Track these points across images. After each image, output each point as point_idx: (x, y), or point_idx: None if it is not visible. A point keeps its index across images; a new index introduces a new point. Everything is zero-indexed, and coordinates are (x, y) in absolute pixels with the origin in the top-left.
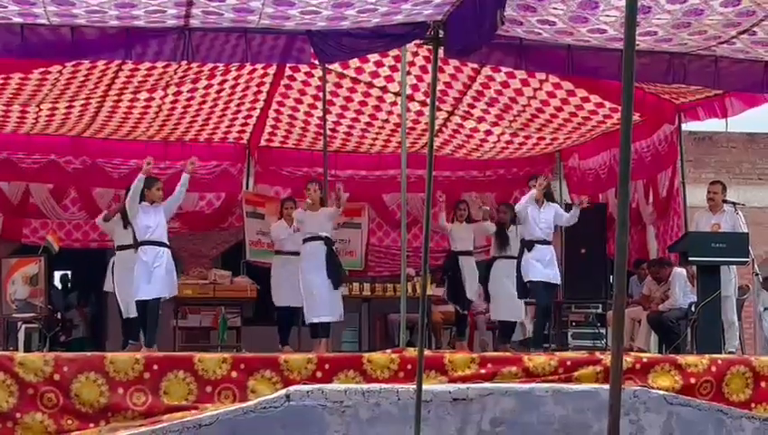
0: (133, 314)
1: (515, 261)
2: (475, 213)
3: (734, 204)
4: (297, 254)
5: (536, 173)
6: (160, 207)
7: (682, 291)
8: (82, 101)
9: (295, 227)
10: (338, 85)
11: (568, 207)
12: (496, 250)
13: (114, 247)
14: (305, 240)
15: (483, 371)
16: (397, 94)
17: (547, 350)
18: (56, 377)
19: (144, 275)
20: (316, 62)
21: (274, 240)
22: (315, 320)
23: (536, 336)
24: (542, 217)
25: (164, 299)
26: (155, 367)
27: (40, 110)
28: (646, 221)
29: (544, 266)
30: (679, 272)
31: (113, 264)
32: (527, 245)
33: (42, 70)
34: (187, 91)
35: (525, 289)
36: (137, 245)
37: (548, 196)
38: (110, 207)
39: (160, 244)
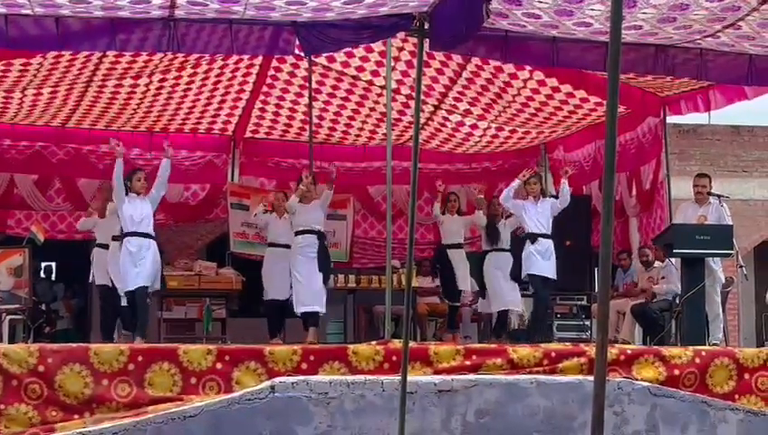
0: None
1: (507, 253)
2: (473, 201)
3: (718, 196)
4: (289, 247)
5: (528, 168)
6: (146, 198)
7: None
8: (66, 89)
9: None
10: (324, 76)
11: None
12: (488, 243)
13: (96, 241)
14: (297, 233)
15: (468, 362)
16: (382, 87)
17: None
18: (40, 368)
19: (130, 266)
20: (302, 53)
21: (261, 229)
22: (304, 309)
23: (536, 328)
24: (539, 211)
25: (151, 290)
26: (139, 358)
27: (24, 95)
28: (629, 213)
29: (545, 260)
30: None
31: (95, 256)
32: (530, 237)
33: (23, 62)
34: (173, 79)
35: (519, 276)
36: (123, 236)
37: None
38: (98, 209)
39: (146, 235)
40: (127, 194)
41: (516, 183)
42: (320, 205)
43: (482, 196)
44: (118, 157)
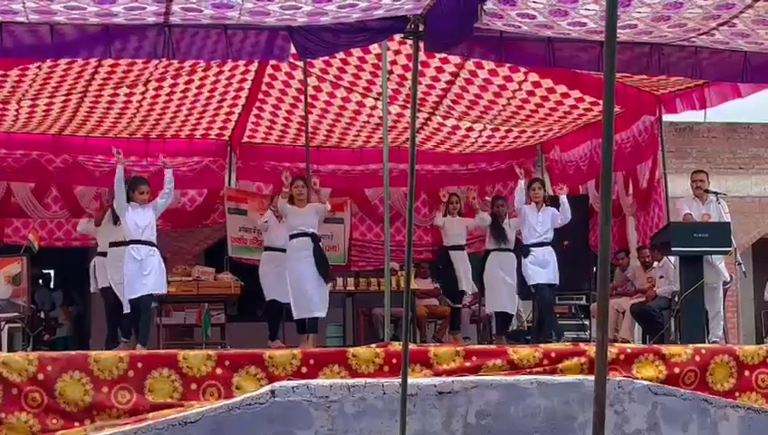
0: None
1: (511, 253)
2: (472, 204)
3: (716, 194)
4: (285, 250)
5: (519, 165)
6: (149, 207)
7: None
8: (63, 98)
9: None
10: (320, 80)
11: (553, 201)
12: (492, 243)
13: (97, 247)
14: (292, 236)
15: (468, 363)
16: (377, 99)
17: (530, 342)
18: (40, 376)
19: (135, 274)
20: (298, 63)
21: (261, 231)
22: (305, 316)
23: (543, 332)
24: (539, 219)
25: (157, 295)
26: (139, 365)
27: (20, 107)
28: (626, 212)
29: (543, 268)
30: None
31: (95, 264)
32: (523, 250)
33: (21, 67)
34: (168, 87)
35: (527, 289)
36: (127, 243)
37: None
38: (96, 210)
39: (150, 244)
40: (129, 202)
41: (522, 183)
42: (314, 213)
43: (475, 199)
44: (119, 164)
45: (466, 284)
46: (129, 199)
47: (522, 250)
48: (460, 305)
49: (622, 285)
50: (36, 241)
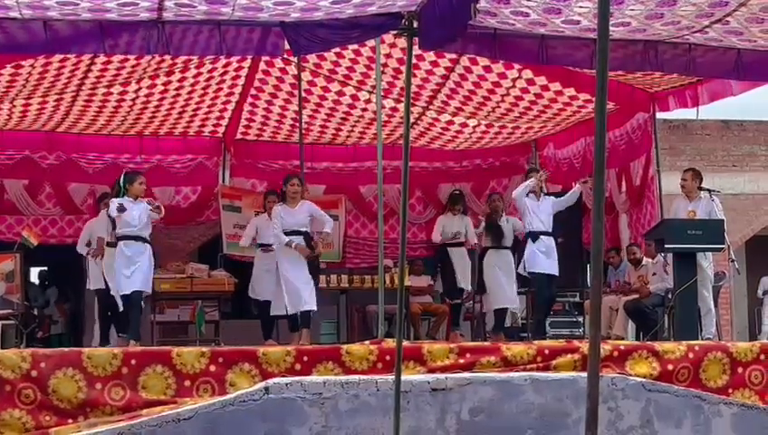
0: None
1: (508, 251)
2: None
3: (709, 191)
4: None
5: (543, 168)
6: (142, 202)
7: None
8: (56, 96)
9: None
10: (315, 75)
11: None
12: (489, 241)
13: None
14: (284, 233)
15: (461, 360)
16: (371, 92)
17: (525, 339)
18: (33, 373)
19: (126, 270)
20: (292, 58)
21: (257, 232)
22: (297, 310)
23: (537, 326)
24: (541, 208)
25: (145, 294)
26: (133, 362)
27: (13, 105)
28: (619, 210)
29: (547, 258)
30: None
31: (90, 264)
32: (532, 236)
33: (14, 64)
34: (161, 84)
35: (526, 279)
36: (117, 239)
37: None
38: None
39: (142, 239)
40: (124, 196)
41: (532, 183)
42: (306, 211)
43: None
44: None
45: (464, 281)
46: (125, 194)
47: (529, 235)
48: (459, 301)
49: (618, 283)
50: (33, 238)
